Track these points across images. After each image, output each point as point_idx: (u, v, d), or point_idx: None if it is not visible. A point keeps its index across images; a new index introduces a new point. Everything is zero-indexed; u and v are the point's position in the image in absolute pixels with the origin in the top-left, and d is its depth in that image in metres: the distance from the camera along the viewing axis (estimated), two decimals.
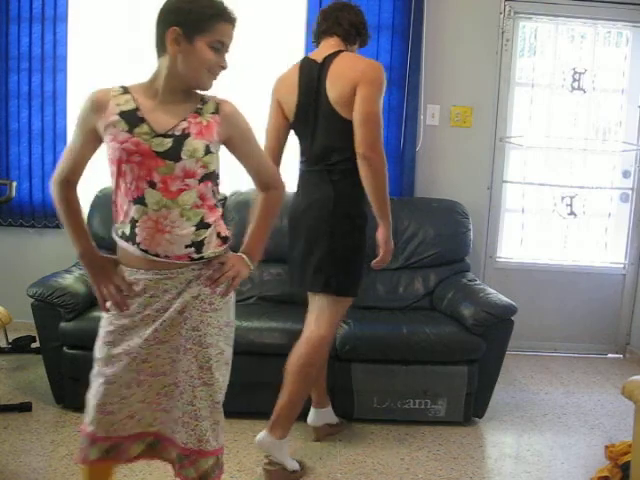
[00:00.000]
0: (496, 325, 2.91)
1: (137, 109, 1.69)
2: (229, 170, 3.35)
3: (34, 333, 3.01)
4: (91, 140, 1.74)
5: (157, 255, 1.70)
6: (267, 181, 1.90)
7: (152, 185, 1.66)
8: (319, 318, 2.46)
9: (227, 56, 1.75)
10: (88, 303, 2.96)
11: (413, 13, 3.72)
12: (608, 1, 3.93)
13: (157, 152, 1.66)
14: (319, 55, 2.40)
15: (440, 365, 2.90)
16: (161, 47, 1.68)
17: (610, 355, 4.22)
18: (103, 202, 3.50)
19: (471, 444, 2.84)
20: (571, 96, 4.08)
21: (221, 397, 1.89)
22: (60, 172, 1.78)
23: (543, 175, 4.14)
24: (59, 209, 1.79)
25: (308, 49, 3.72)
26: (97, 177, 3.93)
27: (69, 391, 2.89)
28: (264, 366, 2.86)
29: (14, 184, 3.44)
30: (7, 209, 3.82)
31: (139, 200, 1.68)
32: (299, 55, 3.75)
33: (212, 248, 1.77)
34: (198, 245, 1.73)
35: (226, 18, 1.71)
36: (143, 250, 1.70)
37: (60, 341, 2.83)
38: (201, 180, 1.71)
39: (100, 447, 1.76)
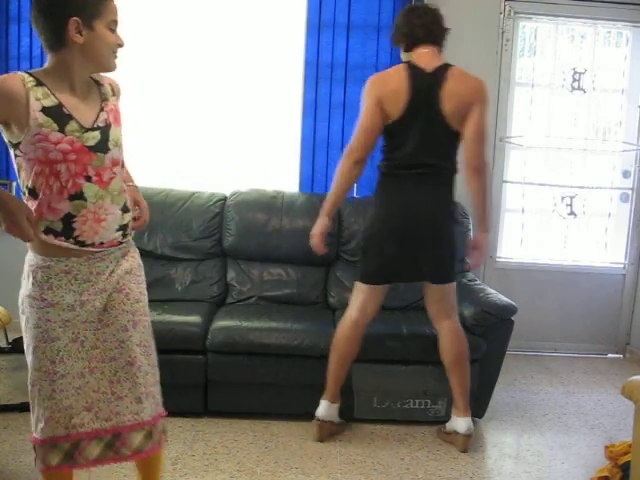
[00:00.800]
0: (496, 325, 2.91)
1: (61, 105, 1.65)
2: (229, 170, 3.40)
3: None
4: None
5: (93, 244, 1.73)
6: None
7: (88, 179, 1.69)
8: (449, 307, 2.73)
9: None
10: None
11: None
12: (608, 1, 3.93)
13: (89, 147, 1.68)
14: (426, 64, 2.58)
15: (440, 365, 2.89)
16: (57, 41, 1.63)
17: (610, 355, 4.22)
18: None
19: (471, 444, 2.84)
20: (571, 96, 4.08)
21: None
22: None
23: (543, 175, 4.14)
24: None
25: (308, 49, 3.72)
26: None
27: None
28: (264, 366, 2.86)
29: (14, 184, 3.44)
30: None
31: (77, 196, 1.69)
32: (299, 55, 3.76)
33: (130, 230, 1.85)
34: (124, 228, 1.81)
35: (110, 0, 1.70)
36: (79, 242, 1.71)
37: None
38: (122, 166, 1.81)
39: (60, 448, 1.75)
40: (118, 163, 1.77)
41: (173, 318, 2.93)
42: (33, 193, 1.71)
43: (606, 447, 2.59)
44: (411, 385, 2.90)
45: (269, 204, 3.53)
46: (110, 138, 1.73)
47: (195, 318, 2.98)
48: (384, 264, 2.66)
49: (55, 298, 1.74)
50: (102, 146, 1.71)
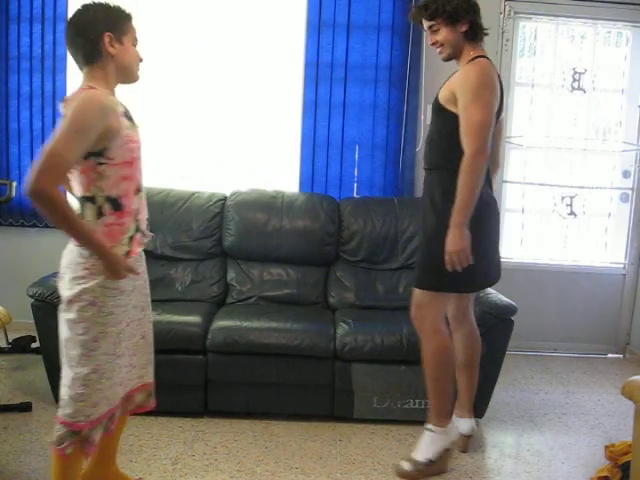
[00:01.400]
0: (496, 325, 2.91)
1: (127, 109, 1.91)
2: (229, 170, 3.39)
3: (34, 333, 3.00)
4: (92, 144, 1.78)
5: (143, 233, 1.97)
6: None
7: (140, 173, 1.94)
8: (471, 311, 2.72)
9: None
10: None
11: None
12: (608, 1, 3.93)
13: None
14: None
15: None
16: (95, 53, 1.83)
17: (610, 355, 4.22)
18: None
19: (471, 444, 2.84)
20: (571, 96, 4.08)
21: None
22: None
23: (543, 175, 4.14)
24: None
25: (308, 49, 3.72)
26: None
27: None
28: (264, 366, 2.86)
29: (14, 184, 3.44)
30: (7, 209, 3.82)
31: (139, 189, 1.92)
32: (299, 55, 3.76)
33: None
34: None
35: (131, 18, 1.92)
36: (141, 231, 1.95)
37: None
38: None
39: (102, 425, 1.94)
40: None
41: (173, 318, 2.94)
42: (117, 204, 1.84)
43: (606, 447, 2.59)
44: (411, 385, 2.90)
45: (269, 204, 3.53)
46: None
47: (195, 318, 2.98)
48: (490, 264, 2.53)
49: (123, 286, 1.90)
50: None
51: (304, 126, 3.78)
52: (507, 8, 3.92)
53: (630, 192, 4.17)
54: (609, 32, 4.09)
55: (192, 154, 3.89)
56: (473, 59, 2.37)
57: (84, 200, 1.85)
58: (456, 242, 2.29)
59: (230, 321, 2.98)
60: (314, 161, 3.80)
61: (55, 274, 3.02)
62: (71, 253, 1.92)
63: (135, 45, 1.94)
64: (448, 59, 2.48)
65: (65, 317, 1.93)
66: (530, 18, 4.01)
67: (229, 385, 2.90)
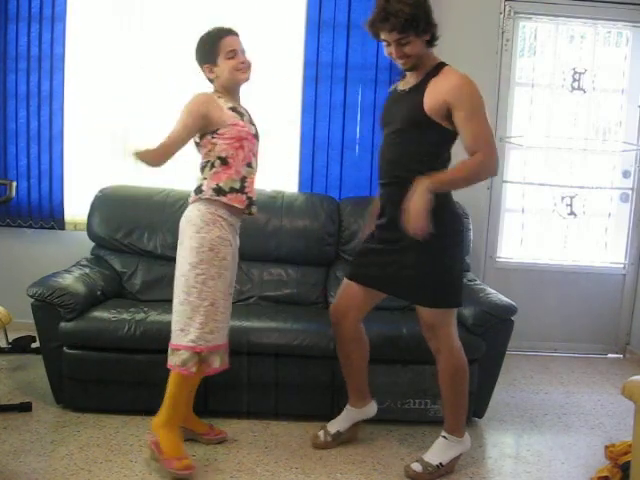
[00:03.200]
0: (496, 325, 2.91)
1: (235, 107, 2.49)
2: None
3: (34, 333, 3.00)
4: None
5: (253, 202, 2.52)
6: None
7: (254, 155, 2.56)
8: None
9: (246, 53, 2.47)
10: (88, 303, 2.96)
11: None
12: (608, 1, 3.93)
13: (254, 134, 2.52)
14: None
15: None
16: (209, 81, 2.53)
17: (610, 355, 4.22)
18: (103, 202, 3.50)
19: (471, 444, 2.84)
20: (571, 96, 4.08)
21: None
22: None
23: (543, 175, 4.14)
24: None
25: (308, 49, 3.72)
26: (97, 178, 3.96)
27: (69, 391, 2.89)
28: (264, 366, 2.86)
29: (14, 184, 3.43)
30: (5, 209, 3.80)
31: (249, 164, 2.50)
32: (299, 55, 3.76)
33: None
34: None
35: (222, 35, 2.43)
36: (249, 198, 2.48)
37: (60, 341, 2.83)
38: None
39: (219, 354, 2.46)
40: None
41: None
42: (225, 161, 2.44)
43: (606, 447, 2.59)
44: (411, 385, 2.90)
45: (269, 204, 3.53)
46: (259, 132, 2.55)
47: None
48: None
49: (232, 240, 2.46)
50: (258, 135, 2.54)
51: (304, 126, 3.78)
52: (507, 8, 3.92)
53: (630, 192, 4.17)
54: (609, 32, 4.09)
55: (192, 154, 3.88)
56: (438, 66, 2.38)
57: None
58: (418, 202, 2.20)
59: (230, 321, 2.97)
60: (314, 161, 3.79)
61: (55, 274, 3.03)
62: (191, 212, 2.44)
63: (231, 57, 2.41)
64: (411, 69, 2.38)
65: (188, 261, 2.39)
66: (530, 18, 4.01)
67: (229, 385, 2.89)
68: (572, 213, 4.16)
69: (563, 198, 4.15)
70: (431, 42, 2.38)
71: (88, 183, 3.79)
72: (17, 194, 3.63)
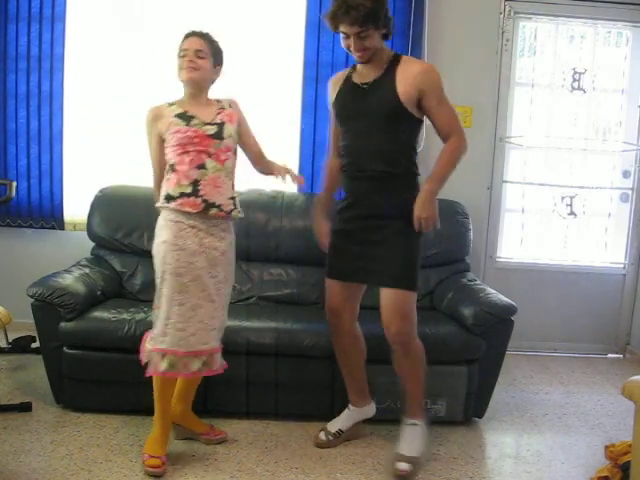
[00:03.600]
0: (496, 325, 2.91)
1: (186, 111, 2.48)
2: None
3: (34, 333, 3.00)
4: None
5: (214, 204, 2.39)
6: None
7: (209, 156, 2.43)
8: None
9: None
10: (88, 303, 2.95)
11: (413, 13, 3.71)
12: (608, 1, 3.93)
13: (209, 135, 2.44)
14: None
15: (440, 365, 2.89)
16: None
17: (610, 355, 4.22)
18: (103, 202, 3.50)
19: (471, 444, 2.84)
20: (571, 96, 4.08)
21: None
22: None
23: (543, 175, 4.14)
24: None
25: (308, 49, 3.72)
26: (97, 178, 3.95)
27: (69, 391, 2.89)
28: (264, 366, 2.86)
29: (14, 184, 3.43)
30: (5, 209, 3.80)
31: (201, 166, 2.40)
32: (299, 55, 3.76)
33: (239, 208, 2.52)
34: (234, 199, 2.48)
35: (185, 37, 2.48)
36: (204, 200, 2.37)
37: (60, 341, 2.83)
38: (235, 153, 2.55)
39: (169, 359, 2.37)
40: (230, 149, 2.47)
41: None
42: (173, 168, 2.41)
43: (606, 447, 2.59)
44: None
45: (269, 204, 3.53)
46: (224, 131, 2.45)
47: None
48: None
49: (184, 245, 2.37)
50: (221, 134, 2.44)
51: (304, 126, 3.78)
52: (507, 8, 3.92)
53: (630, 192, 4.17)
54: (609, 32, 4.09)
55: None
56: (396, 56, 2.46)
57: None
58: (432, 207, 2.41)
59: (230, 321, 2.97)
60: (314, 161, 3.79)
61: (55, 274, 3.03)
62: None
63: (182, 57, 2.43)
64: (367, 62, 2.42)
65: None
66: (530, 18, 4.01)
67: (229, 385, 2.89)
68: (572, 213, 4.16)
69: (563, 198, 4.15)
70: (387, 35, 2.45)
71: (88, 183, 3.79)
72: (17, 194, 3.63)
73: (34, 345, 3.49)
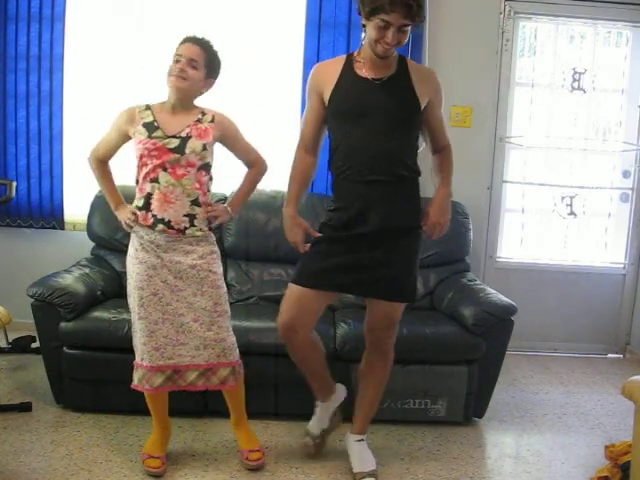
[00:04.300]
0: (496, 325, 2.91)
1: (154, 120, 2.45)
2: (229, 170, 3.36)
3: (34, 333, 3.01)
4: None
5: (163, 220, 2.33)
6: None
7: (164, 169, 2.37)
8: None
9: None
10: (88, 303, 2.96)
11: None
12: (608, 1, 3.92)
13: (169, 148, 2.36)
14: None
15: (440, 365, 2.89)
16: None
17: (610, 355, 4.22)
18: (103, 202, 3.48)
19: (471, 444, 2.84)
20: (571, 96, 4.08)
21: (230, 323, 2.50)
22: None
23: (543, 175, 4.13)
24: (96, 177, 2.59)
25: (308, 49, 3.72)
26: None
27: (69, 391, 2.89)
28: (264, 366, 2.86)
29: (14, 184, 3.44)
30: (5, 209, 3.80)
31: (154, 179, 2.36)
32: (299, 55, 3.76)
33: (200, 226, 2.39)
34: (192, 217, 2.37)
35: (182, 41, 2.40)
36: (154, 215, 2.34)
37: (60, 341, 2.83)
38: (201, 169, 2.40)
39: (137, 373, 2.41)
40: (193, 165, 2.35)
41: None
42: (137, 180, 2.40)
43: (606, 447, 2.59)
44: (411, 385, 2.90)
45: (269, 204, 3.53)
46: (188, 146, 2.34)
47: None
48: None
49: (143, 258, 2.36)
50: (183, 148, 2.33)
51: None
52: (507, 8, 3.92)
53: (630, 192, 4.16)
54: (609, 32, 4.09)
55: None
56: (401, 57, 2.34)
57: None
58: (449, 213, 2.41)
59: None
60: None
61: (55, 274, 3.03)
62: None
63: (175, 62, 2.37)
64: (386, 58, 2.25)
65: None
66: (530, 18, 4.01)
67: None
68: (572, 213, 4.16)
69: (563, 198, 4.15)
70: None
71: (88, 183, 3.78)
72: (17, 194, 3.63)
73: (34, 345, 3.49)
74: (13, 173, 3.77)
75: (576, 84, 4.05)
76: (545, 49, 4.09)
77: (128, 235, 2.49)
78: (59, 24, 3.68)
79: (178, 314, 2.36)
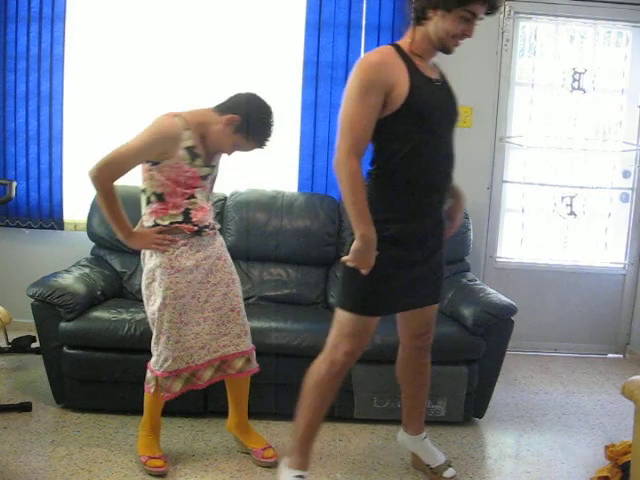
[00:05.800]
0: (496, 325, 2.91)
1: (194, 147, 2.43)
2: (229, 170, 3.38)
3: (34, 333, 3.00)
4: None
5: (206, 226, 2.43)
6: None
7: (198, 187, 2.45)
8: None
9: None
10: (88, 303, 2.95)
11: None
12: (608, 1, 3.93)
13: (201, 176, 2.44)
14: None
15: (440, 365, 2.88)
16: None
17: (610, 355, 4.22)
18: None
19: (471, 444, 2.84)
20: (571, 96, 4.08)
21: None
22: None
23: (543, 175, 4.14)
24: None
25: (307, 49, 3.71)
26: None
27: (69, 391, 2.89)
28: (264, 366, 2.85)
29: (14, 184, 3.43)
30: (5, 209, 3.80)
31: (191, 196, 2.42)
32: (298, 55, 3.76)
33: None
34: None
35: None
36: (196, 224, 2.39)
37: (60, 341, 2.83)
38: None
39: (182, 377, 2.42)
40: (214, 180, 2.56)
41: None
42: (161, 197, 2.37)
43: (606, 447, 2.59)
44: None
45: (269, 204, 3.53)
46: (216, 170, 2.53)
47: None
48: None
49: (179, 265, 2.35)
50: (213, 175, 2.51)
51: (304, 126, 3.78)
52: (507, 8, 3.92)
53: (630, 192, 4.16)
54: (609, 32, 4.09)
55: None
56: None
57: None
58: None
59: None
60: (314, 161, 3.79)
61: (55, 274, 3.03)
62: None
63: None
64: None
65: (144, 293, 2.42)
66: (530, 18, 4.01)
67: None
68: (572, 213, 4.16)
69: (563, 198, 4.15)
70: None
71: (88, 183, 3.78)
72: (16, 194, 3.63)
73: (34, 345, 3.49)
74: (12, 173, 3.77)
75: (576, 84, 4.05)
76: (545, 49, 4.09)
77: None
78: (59, 24, 3.68)
79: (217, 308, 2.44)
